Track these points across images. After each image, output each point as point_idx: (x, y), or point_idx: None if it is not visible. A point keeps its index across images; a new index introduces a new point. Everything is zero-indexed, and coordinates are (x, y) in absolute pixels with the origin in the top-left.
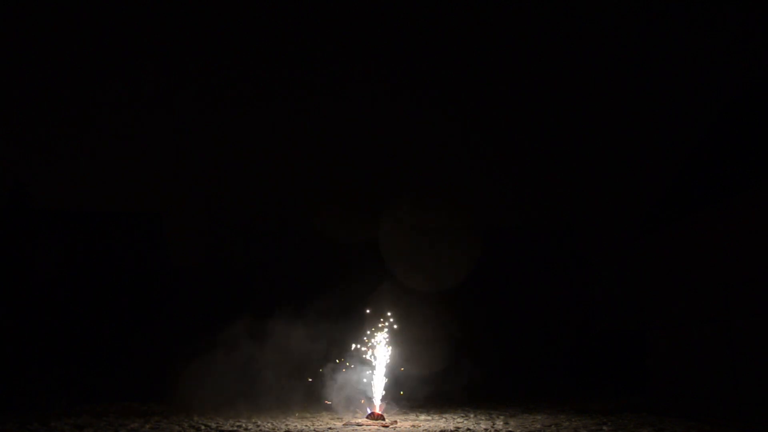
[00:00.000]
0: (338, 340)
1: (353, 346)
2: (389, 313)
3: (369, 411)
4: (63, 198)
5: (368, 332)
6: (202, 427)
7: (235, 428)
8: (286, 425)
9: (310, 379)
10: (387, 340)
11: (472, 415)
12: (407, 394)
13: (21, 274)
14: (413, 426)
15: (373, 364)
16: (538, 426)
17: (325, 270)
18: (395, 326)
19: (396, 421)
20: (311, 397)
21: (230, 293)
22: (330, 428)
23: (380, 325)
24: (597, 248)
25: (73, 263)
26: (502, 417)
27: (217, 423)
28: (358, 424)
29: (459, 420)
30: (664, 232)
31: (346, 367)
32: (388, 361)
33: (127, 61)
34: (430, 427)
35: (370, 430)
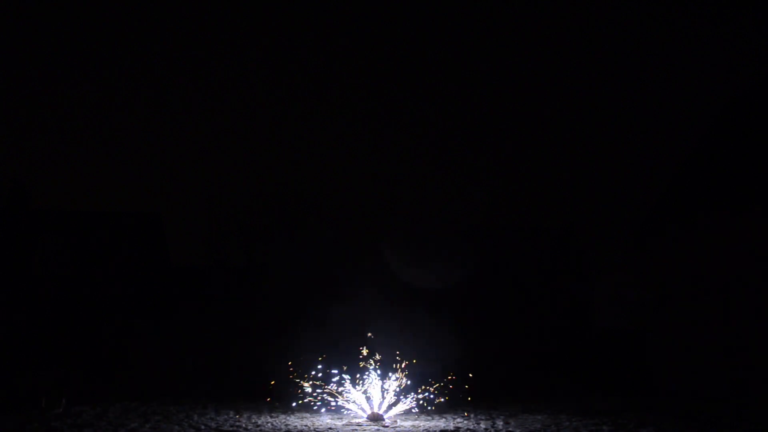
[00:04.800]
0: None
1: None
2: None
3: (370, 411)
4: (63, 198)
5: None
6: (202, 427)
7: (235, 428)
8: (287, 426)
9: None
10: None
11: (472, 415)
12: (407, 394)
13: (21, 274)
14: (413, 426)
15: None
16: (538, 426)
17: (326, 268)
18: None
19: (396, 421)
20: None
21: (230, 293)
22: (330, 428)
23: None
24: (597, 249)
25: (74, 263)
26: (502, 417)
27: (217, 423)
28: (359, 424)
29: (459, 420)
30: (665, 232)
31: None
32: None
33: (127, 62)
34: (430, 427)
35: (370, 429)
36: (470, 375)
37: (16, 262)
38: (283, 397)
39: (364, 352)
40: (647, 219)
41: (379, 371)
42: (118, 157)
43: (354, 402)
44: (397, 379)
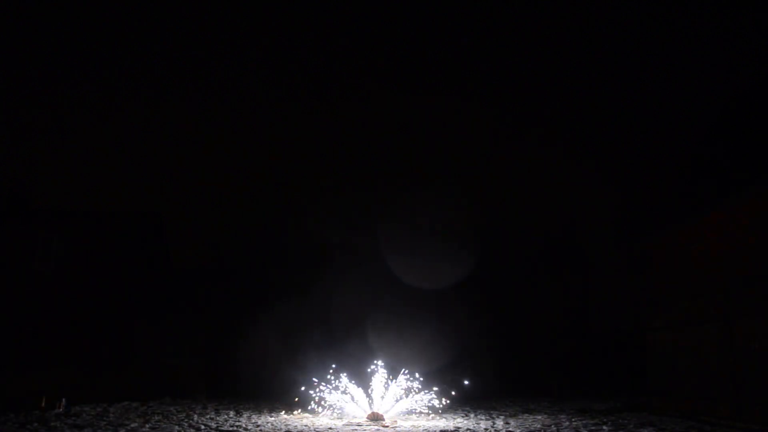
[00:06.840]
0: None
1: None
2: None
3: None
4: (63, 198)
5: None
6: (202, 427)
7: (235, 428)
8: (287, 425)
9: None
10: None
11: (472, 415)
12: (407, 394)
13: (21, 274)
14: (413, 426)
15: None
16: (538, 426)
17: (325, 268)
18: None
19: (396, 421)
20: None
21: (230, 292)
22: (330, 428)
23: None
24: (597, 250)
25: (74, 263)
26: (502, 417)
27: (217, 423)
28: (359, 424)
29: (459, 420)
30: (664, 233)
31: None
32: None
33: (127, 62)
34: (430, 427)
35: (370, 429)
36: (470, 375)
37: (16, 261)
38: (284, 398)
39: (366, 352)
40: (646, 218)
41: (379, 371)
42: (118, 157)
43: (354, 401)
44: (397, 378)
